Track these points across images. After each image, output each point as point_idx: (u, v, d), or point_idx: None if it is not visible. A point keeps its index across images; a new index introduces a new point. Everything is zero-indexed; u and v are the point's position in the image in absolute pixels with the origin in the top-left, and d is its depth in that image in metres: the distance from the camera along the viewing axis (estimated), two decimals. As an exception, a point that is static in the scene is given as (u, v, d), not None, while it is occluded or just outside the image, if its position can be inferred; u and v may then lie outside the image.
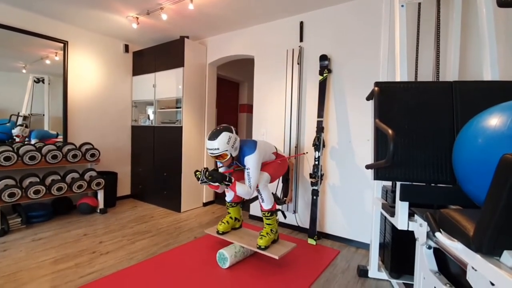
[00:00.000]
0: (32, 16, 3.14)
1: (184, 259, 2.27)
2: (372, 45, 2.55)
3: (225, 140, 2.02)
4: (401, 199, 1.44)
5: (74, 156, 3.18)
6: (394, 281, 1.96)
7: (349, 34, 2.70)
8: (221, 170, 2.26)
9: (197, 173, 2.11)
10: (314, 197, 2.72)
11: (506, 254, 0.82)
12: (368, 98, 1.89)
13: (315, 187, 2.72)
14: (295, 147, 3.00)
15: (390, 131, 1.32)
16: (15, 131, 3.05)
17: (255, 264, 2.23)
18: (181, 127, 3.54)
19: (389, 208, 1.65)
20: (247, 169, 2.11)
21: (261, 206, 2.24)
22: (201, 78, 3.81)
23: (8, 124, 3.03)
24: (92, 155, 3.37)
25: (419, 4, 2.18)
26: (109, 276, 1.98)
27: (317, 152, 2.71)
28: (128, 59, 4.14)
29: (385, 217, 1.86)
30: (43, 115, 3.31)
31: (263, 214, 2.24)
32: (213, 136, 2.03)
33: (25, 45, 3.14)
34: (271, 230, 2.22)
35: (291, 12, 2.98)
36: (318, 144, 2.70)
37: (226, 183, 2.07)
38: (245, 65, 4.37)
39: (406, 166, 1.42)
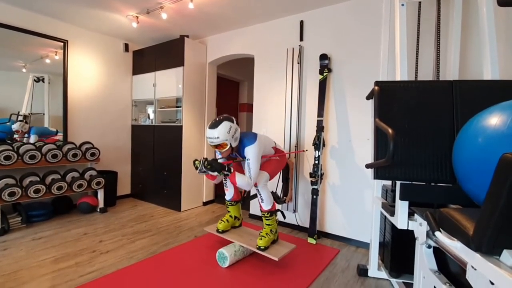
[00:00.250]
0: (32, 15, 3.14)
1: (184, 258, 2.27)
2: (372, 45, 2.55)
3: (225, 130, 2.02)
4: (401, 198, 1.44)
5: (74, 155, 3.18)
6: (393, 280, 1.96)
7: (349, 33, 2.70)
8: (220, 161, 2.26)
9: (196, 162, 2.10)
10: (314, 197, 2.72)
11: (505, 253, 0.82)
12: (368, 98, 1.89)
13: (315, 187, 2.72)
14: (295, 146, 3.00)
15: (390, 130, 1.32)
16: (14, 127, 3.05)
17: (255, 263, 2.24)
18: (181, 126, 3.54)
19: (389, 207, 1.65)
20: (247, 160, 2.10)
21: (260, 206, 2.23)
22: (201, 77, 3.81)
23: (8, 123, 3.04)
24: (92, 154, 3.37)
25: (419, 3, 2.18)
26: (109, 275, 1.99)
27: (317, 152, 2.71)
28: (128, 58, 4.14)
29: (385, 216, 1.86)
30: (43, 114, 3.31)
31: (263, 214, 2.23)
32: (214, 125, 2.03)
33: (25, 44, 3.14)
34: (270, 230, 2.22)
35: (291, 11, 2.98)
36: (318, 143, 2.70)
37: (226, 172, 2.06)
38: (245, 64, 4.36)
39: (406, 165, 1.42)
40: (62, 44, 3.39)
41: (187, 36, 3.63)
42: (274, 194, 2.44)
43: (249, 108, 4.98)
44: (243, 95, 5.14)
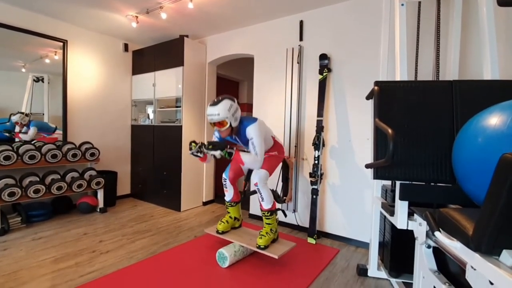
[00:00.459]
0: (32, 15, 3.13)
1: (183, 258, 2.27)
2: (372, 45, 2.55)
3: (226, 107, 2.01)
4: (401, 198, 1.44)
5: (74, 155, 3.18)
6: (393, 280, 1.96)
7: (349, 33, 2.70)
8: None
9: (193, 144, 2.10)
10: (314, 196, 2.73)
11: (505, 253, 0.82)
12: (368, 97, 1.89)
13: (315, 186, 2.72)
14: (295, 146, 3.00)
15: (389, 130, 1.32)
16: (14, 118, 3.05)
17: (255, 263, 2.24)
18: (181, 126, 3.54)
19: (389, 207, 1.65)
20: (250, 139, 2.07)
21: (260, 205, 2.23)
22: (201, 77, 3.80)
23: (7, 123, 3.04)
24: (92, 154, 3.36)
25: (419, 3, 2.18)
26: (109, 275, 1.99)
27: (316, 152, 2.71)
28: (128, 58, 4.13)
29: (385, 216, 1.86)
30: (43, 114, 3.31)
31: (263, 213, 2.23)
32: (215, 103, 2.03)
33: (25, 44, 3.13)
34: (270, 229, 2.22)
35: (291, 11, 2.98)
36: (318, 143, 2.70)
37: (229, 150, 2.02)
38: (245, 64, 4.36)
39: (405, 165, 1.42)
40: (61, 44, 3.38)
41: (187, 36, 3.63)
42: (274, 192, 2.43)
43: (249, 108, 4.97)
44: (243, 95, 5.14)
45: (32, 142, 3.05)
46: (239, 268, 2.15)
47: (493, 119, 1.03)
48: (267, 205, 2.20)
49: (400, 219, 1.47)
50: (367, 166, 1.58)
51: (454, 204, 1.43)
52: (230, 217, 2.46)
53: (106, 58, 3.87)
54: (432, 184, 1.46)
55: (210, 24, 3.38)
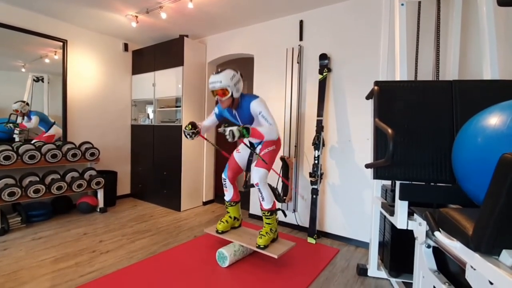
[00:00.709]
0: (32, 15, 3.13)
1: (183, 258, 2.28)
2: (372, 44, 2.55)
3: (229, 76, 2.03)
4: (401, 198, 1.44)
5: (74, 155, 3.18)
6: (393, 280, 1.96)
7: (349, 33, 2.70)
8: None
9: (189, 126, 2.07)
10: (314, 196, 2.73)
11: (505, 253, 0.82)
12: (367, 97, 1.89)
13: (315, 186, 2.72)
14: (295, 146, 3.00)
15: (389, 130, 1.32)
16: (15, 106, 3.05)
17: (255, 263, 2.24)
18: (181, 126, 3.54)
19: (389, 207, 1.65)
20: (259, 113, 2.06)
21: (261, 205, 2.23)
22: (200, 77, 3.80)
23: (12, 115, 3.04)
24: (92, 154, 3.36)
25: (419, 3, 2.18)
26: (109, 275, 1.99)
27: (316, 151, 2.71)
28: (128, 58, 4.13)
29: (385, 216, 1.86)
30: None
31: (263, 213, 2.23)
32: (218, 72, 2.05)
33: (25, 44, 3.13)
34: (270, 229, 2.21)
35: (291, 10, 2.97)
36: (318, 143, 2.70)
37: (246, 126, 1.88)
38: (244, 64, 4.35)
39: (405, 165, 1.42)
40: (61, 43, 3.38)
41: (187, 36, 3.63)
42: (275, 190, 2.42)
43: (248, 107, 4.97)
44: (242, 95, 5.13)
45: (32, 142, 3.05)
46: (239, 268, 2.15)
47: (493, 119, 1.03)
48: (267, 205, 2.20)
49: (400, 219, 1.47)
50: (367, 166, 1.58)
51: (454, 204, 1.43)
52: (230, 217, 2.46)
53: (106, 58, 3.87)
54: (432, 184, 1.46)
55: (210, 24, 3.38)
